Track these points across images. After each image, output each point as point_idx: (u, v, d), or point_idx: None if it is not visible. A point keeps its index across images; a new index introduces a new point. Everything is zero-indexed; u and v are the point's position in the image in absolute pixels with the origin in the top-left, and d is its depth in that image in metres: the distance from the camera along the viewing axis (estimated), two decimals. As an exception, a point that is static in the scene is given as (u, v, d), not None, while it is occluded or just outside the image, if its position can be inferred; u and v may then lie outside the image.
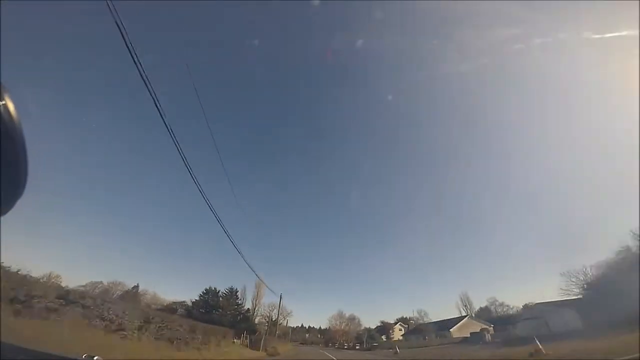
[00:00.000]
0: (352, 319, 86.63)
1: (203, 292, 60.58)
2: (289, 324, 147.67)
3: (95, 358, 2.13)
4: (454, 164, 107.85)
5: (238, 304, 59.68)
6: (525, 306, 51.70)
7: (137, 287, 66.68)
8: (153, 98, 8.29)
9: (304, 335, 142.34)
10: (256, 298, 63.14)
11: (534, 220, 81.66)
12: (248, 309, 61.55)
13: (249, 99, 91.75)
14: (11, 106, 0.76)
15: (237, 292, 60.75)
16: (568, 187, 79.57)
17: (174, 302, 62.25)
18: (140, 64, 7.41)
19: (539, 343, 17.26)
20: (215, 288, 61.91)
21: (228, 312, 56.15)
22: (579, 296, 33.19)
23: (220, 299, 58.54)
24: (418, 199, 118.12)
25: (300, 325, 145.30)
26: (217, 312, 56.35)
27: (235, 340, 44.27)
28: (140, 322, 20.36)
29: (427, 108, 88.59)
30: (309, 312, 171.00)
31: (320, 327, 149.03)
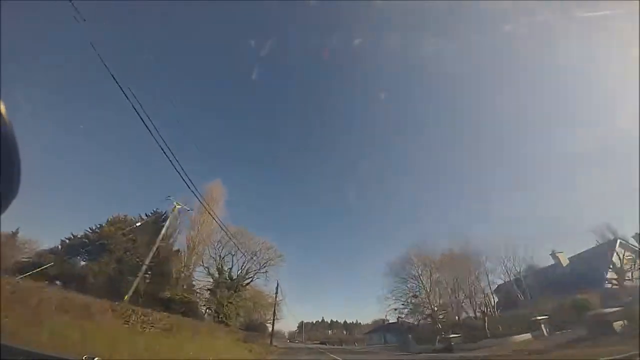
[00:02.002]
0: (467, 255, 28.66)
1: (94, 227, 26.59)
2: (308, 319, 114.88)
3: (95, 359, 2.14)
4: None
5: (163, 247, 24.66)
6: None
7: (15, 233, 34.21)
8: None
9: (325, 332, 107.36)
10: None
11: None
12: (178, 250, 26.53)
13: (246, 97, 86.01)
14: (2, 107, 0.74)
15: (163, 217, 25.97)
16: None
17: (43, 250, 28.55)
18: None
19: None
20: (124, 216, 27.76)
21: (129, 261, 21.49)
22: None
23: (123, 233, 23.85)
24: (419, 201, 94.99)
25: (320, 320, 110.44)
26: (101, 260, 21.93)
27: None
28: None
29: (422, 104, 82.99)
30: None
31: (345, 322, 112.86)
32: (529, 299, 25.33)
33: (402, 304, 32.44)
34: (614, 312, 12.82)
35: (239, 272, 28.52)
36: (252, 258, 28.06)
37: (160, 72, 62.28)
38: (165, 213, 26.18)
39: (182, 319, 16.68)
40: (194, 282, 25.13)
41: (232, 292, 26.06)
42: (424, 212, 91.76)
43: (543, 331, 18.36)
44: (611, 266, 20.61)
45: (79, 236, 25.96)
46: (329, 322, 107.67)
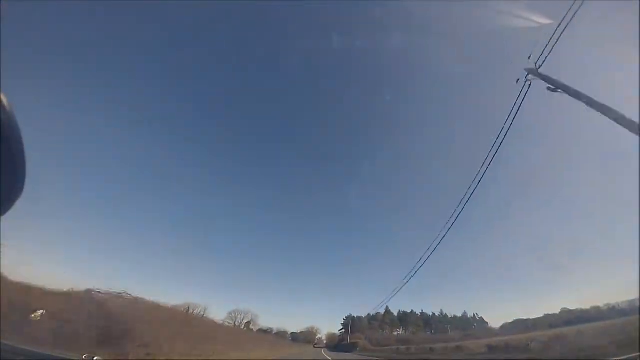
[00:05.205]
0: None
1: None
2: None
3: (95, 358, 2.10)
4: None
5: None
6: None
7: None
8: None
9: (391, 333, 64.61)
10: None
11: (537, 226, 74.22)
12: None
13: (247, 98, 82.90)
14: (8, 105, 0.73)
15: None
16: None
17: None
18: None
19: None
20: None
21: None
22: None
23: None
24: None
25: (382, 312, 66.42)
26: None
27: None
28: None
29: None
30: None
31: (423, 313, 67.80)
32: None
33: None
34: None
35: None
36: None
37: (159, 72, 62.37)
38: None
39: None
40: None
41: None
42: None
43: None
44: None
45: None
46: (397, 313, 64.53)
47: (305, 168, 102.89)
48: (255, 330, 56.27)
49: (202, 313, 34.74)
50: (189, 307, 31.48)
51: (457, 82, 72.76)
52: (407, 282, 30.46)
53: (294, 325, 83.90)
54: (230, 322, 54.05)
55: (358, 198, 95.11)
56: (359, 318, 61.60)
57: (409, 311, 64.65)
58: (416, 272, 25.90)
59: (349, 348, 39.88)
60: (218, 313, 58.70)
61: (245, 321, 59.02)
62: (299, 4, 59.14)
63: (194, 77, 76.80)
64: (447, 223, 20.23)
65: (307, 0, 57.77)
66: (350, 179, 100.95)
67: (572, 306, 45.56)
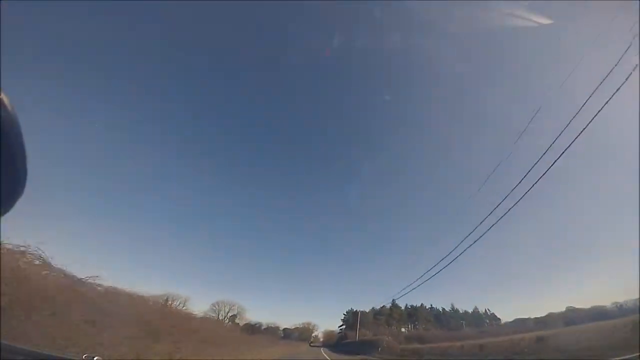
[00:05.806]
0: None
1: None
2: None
3: (95, 358, 2.05)
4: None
5: None
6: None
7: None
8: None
9: (398, 329, 54.81)
10: None
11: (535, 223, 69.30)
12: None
13: (246, 98, 76.52)
14: (9, 105, 0.73)
15: None
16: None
17: None
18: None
19: None
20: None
21: None
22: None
23: None
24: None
25: (387, 306, 56.32)
26: None
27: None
28: None
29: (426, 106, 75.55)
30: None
31: (433, 307, 58.83)
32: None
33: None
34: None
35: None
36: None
37: (159, 72, 62.14)
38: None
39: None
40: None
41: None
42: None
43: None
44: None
45: None
46: (404, 307, 56.39)
47: (303, 165, 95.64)
48: (241, 324, 49.04)
49: (182, 304, 33.01)
50: (167, 298, 29.34)
51: (457, 82, 71.74)
52: (427, 280, 26.34)
53: (288, 321, 75.85)
54: (214, 314, 47.58)
55: (357, 194, 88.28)
56: (363, 313, 53.60)
57: (417, 305, 57.04)
58: (439, 271, 23.79)
59: (363, 348, 30.57)
60: (204, 305, 51.92)
61: (230, 314, 51.44)
62: (299, 4, 57.88)
63: (194, 77, 74.13)
64: (468, 236, 19.00)
65: (307, 0, 56.46)
66: (350, 174, 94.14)
67: (577, 305, 42.90)
